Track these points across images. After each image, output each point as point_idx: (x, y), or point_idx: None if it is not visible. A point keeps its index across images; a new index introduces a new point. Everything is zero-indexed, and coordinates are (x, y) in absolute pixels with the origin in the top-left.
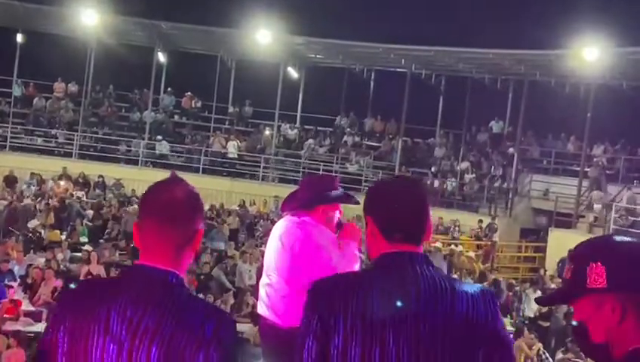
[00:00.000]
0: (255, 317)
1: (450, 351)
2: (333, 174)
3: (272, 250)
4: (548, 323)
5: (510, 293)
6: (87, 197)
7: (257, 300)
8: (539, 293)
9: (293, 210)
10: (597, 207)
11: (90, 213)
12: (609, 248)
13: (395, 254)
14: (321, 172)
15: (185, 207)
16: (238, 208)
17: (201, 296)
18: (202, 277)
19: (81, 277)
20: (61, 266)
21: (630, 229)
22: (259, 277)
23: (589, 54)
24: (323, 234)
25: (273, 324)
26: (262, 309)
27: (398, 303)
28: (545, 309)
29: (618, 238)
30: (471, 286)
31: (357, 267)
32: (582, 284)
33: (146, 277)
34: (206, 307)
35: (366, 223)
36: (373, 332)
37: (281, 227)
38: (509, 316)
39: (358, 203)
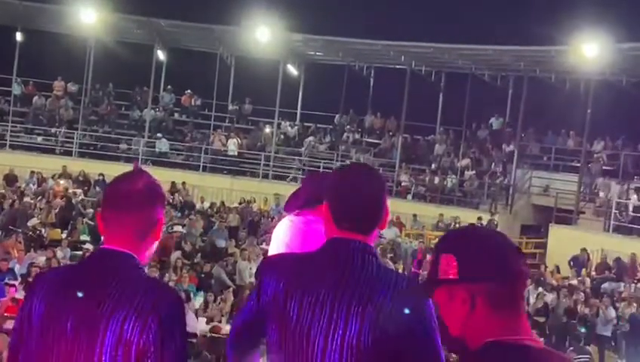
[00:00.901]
0: None
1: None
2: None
3: (278, 248)
4: (544, 319)
5: None
6: (87, 196)
7: None
8: (540, 290)
9: (295, 209)
10: (602, 195)
11: (90, 211)
12: (462, 239)
13: (337, 240)
14: (321, 169)
15: (142, 196)
16: (238, 206)
17: (201, 293)
18: (203, 275)
19: None
20: (61, 265)
21: (629, 225)
22: None
23: (589, 50)
24: None
25: None
26: None
27: (333, 285)
28: (541, 305)
29: (474, 230)
30: (403, 280)
31: None
32: (435, 276)
33: (106, 260)
34: (150, 283)
35: (323, 207)
36: (300, 310)
37: (285, 227)
38: None
39: None
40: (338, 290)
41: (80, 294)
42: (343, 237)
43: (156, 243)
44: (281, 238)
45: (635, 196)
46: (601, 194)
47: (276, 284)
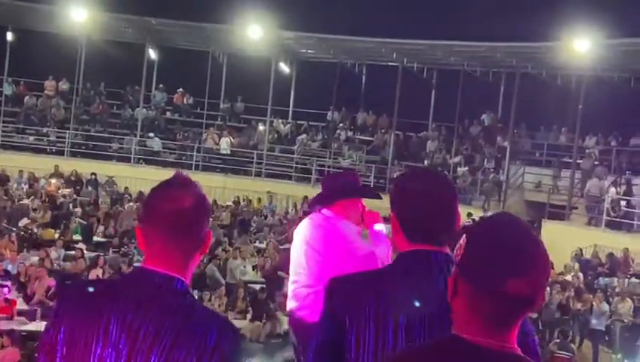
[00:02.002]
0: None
1: None
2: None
3: (299, 248)
4: (535, 315)
5: None
6: (79, 195)
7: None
8: None
9: (315, 207)
10: (594, 192)
11: (79, 210)
12: (467, 227)
13: (413, 253)
14: (314, 167)
15: (195, 215)
16: (232, 204)
17: (195, 292)
18: (196, 274)
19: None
20: (55, 265)
21: (622, 220)
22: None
23: (581, 46)
24: (348, 228)
25: (302, 319)
26: (291, 305)
27: (414, 304)
28: None
29: (480, 219)
30: None
31: (387, 250)
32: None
33: (149, 282)
34: (209, 314)
35: (391, 218)
36: (385, 332)
37: (306, 225)
38: None
39: (378, 196)
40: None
41: (128, 322)
42: (418, 250)
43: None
44: (302, 235)
45: (614, 189)
46: (593, 189)
47: (354, 305)
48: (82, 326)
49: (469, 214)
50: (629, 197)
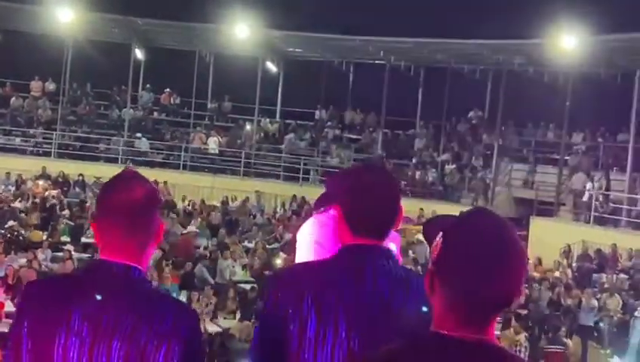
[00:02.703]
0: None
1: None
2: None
3: (309, 248)
4: (525, 311)
5: None
6: (67, 197)
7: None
8: None
9: (321, 208)
10: (578, 188)
11: (69, 212)
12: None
13: (355, 247)
14: (302, 166)
15: (145, 206)
16: (220, 204)
17: (184, 292)
18: (185, 274)
19: None
20: (42, 267)
21: (610, 216)
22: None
23: (567, 42)
24: None
25: None
26: None
27: (352, 296)
28: (522, 300)
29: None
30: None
31: (396, 247)
32: None
33: (108, 272)
34: (166, 301)
35: (337, 210)
36: (326, 323)
37: (309, 224)
38: None
39: None
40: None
41: (90, 313)
42: (360, 244)
43: (155, 247)
44: (310, 235)
45: (591, 185)
46: (577, 185)
47: (296, 296)
48: (46, 319)
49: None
50: (607, 192)
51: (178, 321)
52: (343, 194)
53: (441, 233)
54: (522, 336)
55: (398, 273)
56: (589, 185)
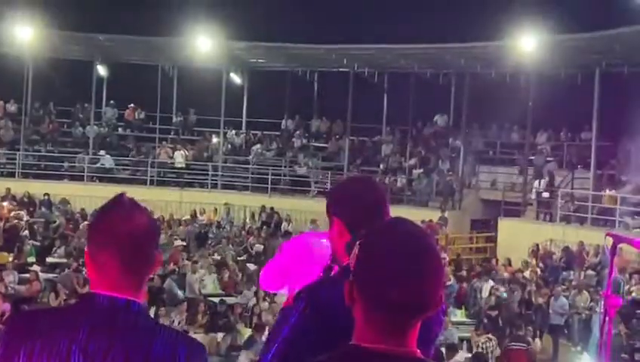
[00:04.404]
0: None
1: None
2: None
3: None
4: (496, 312)
5: (464, 285)
6: (33, 217)
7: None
8: (491, 283)
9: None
10: (545, 194)
11: (27, 233)
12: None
13: None
14: (270, 176)
15: (148, 238)
16: (189, 218)
17: (153, 308)
18: (154, 289)
19: None
20: (9, 289)
21: (575, 213)
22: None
23: (527, 44)
24: None
25: None
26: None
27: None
28: (493, 299)
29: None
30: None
31: None
32: None
33: (107, 307)
34: (174, 335)
35: (331, 224)
36: None
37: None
38: (463, 308)
39: None
40: None
41: (91, 351)
42: None
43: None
44: (310, 242)
45: (537, 182)
46: (546, 185)
47: None
48: (41, 356)
49: (429, 220)
50: (551, 188)
51: (190, 356)
52: (341, 205)
53: (357, 243)
54: (487, 337)
55: None
56: (535, 183)
